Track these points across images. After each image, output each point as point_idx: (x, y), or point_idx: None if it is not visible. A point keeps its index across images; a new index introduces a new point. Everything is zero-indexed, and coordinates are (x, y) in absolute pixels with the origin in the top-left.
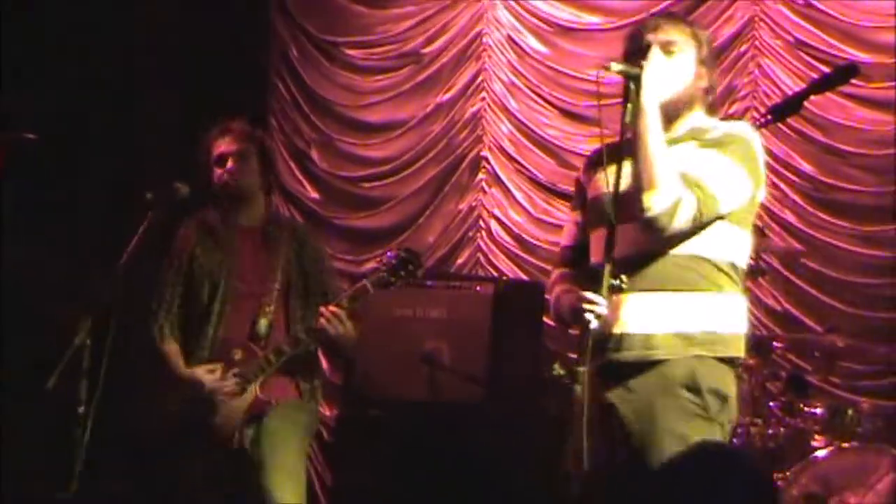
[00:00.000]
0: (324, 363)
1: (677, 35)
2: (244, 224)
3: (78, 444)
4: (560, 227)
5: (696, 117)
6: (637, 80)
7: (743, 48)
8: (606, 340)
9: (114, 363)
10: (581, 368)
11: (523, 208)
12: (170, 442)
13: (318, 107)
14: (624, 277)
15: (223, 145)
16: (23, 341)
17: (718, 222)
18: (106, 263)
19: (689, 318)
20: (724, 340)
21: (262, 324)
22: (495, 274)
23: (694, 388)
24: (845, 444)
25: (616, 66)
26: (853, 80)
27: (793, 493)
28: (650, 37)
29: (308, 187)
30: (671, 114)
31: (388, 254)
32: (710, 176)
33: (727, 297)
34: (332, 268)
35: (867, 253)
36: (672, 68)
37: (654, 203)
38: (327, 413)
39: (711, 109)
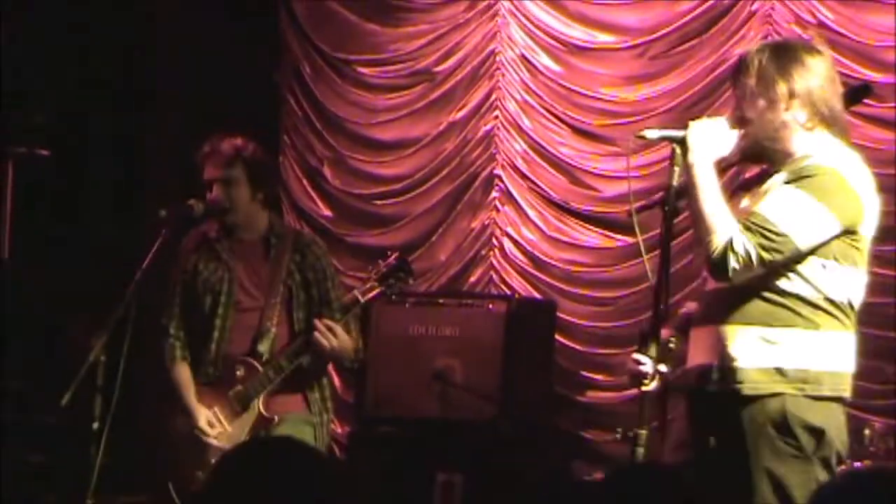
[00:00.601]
0: (336, 381)
1: (747, 77)
2: (245, 237)
3: (93, 460)
4: (573, 245)
5: (803, 144)
6: (681, 142)
7: None
8: (699, 370)
9: (128, 379)
10: (642, 431)
11: (536, 226)
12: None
13: (330, 124)
14: (674, 339)
15: (209, 170)
16: (32, 355)
17: (812, 258)
18: (116, 278)
19: (775, 354)
20: (817, 378)
21: (265, 338)
22: (508, 292)
23: (784, 427)
24: (857, 464)
25: (652, 134)
26: (866, 100)
27: None
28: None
29: (320, 205)
30: (763, 156)
31: (379, 263)
32: (779, 214)
33: (823, 334)
34: (336, 276)
35: (877, 272)
36: (717, 125)
37: (710, 251)
38: (339, 430)
39: (826, 123)
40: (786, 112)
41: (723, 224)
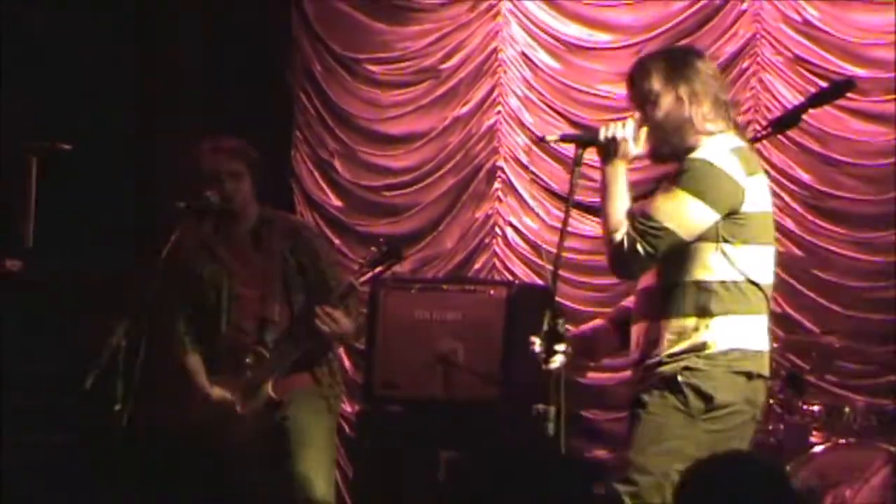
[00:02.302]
0: (346, 363)
1: (648, 82)
2: (238, 230)
3: (115, 440)
4: (573, 234)
5: (699, 141)
6: (584, 144)
7: (745, 64)
8: (634, 363)
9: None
10: (550, 408)
11: (537, 216)
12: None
13: (341, 120)
14: (561, 321)
15: (216, 163)
16: (56, 340)
17: (705, 245)
18: (136, 269)
19: (688, 339)
20: (716, 356)
21: (269, 325)
22: (511, 278)
23: (675, 384)
24: (841, 441)
25: (553, 137)
26: (849, 94)
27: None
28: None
29: (332, 196)
30: (669, 154)
31: (371, 249)
32: (660, 210)
33: (726, 318)
34: (332, 257)
35: (862, 258)
36: (626, 127)
37: (612, 248)
38: (349, 409)
39: (720, 120)
40: (687, 112)
41: (623, 224)
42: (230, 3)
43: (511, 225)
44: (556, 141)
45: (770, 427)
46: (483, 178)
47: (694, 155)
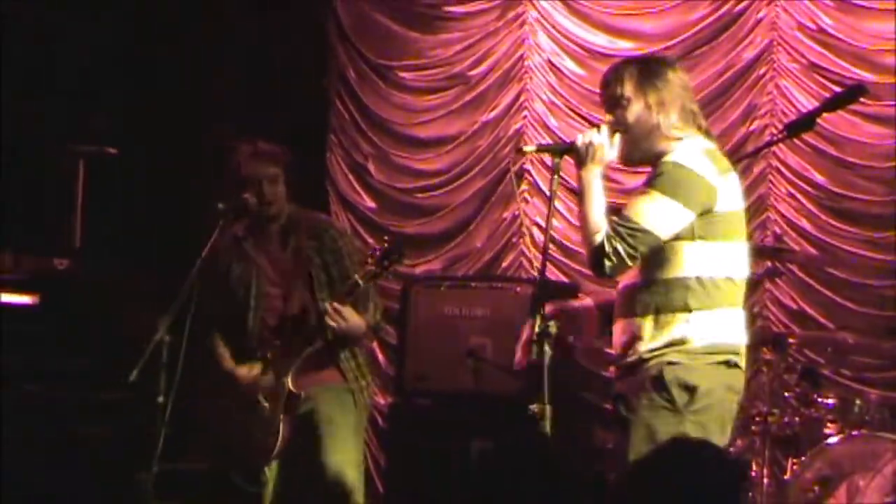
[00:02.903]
0: (380, 356)
1: (620, 88)
2: (268, 230)
3: (158, 431)
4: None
5: (670, 145)
6: (560, 153)
7: (762, 70)
8: (615, 359)
9: (190, 356)
10: (545, 407)
11: (563, 216)
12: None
13: (374, 124)
14: (552, 324)
15: (255, 168)
16: (103, 335)
17: (681, 243)
18: (178, 265)
19: (664, 335)
20: (695, 349)
21: (290, 323)
22: (537, 276)
23: (660, 383)
24: (855, 432)
25: (530, 148)
26: (862, 99)
27: (807, 476)
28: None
29: (365, 197)
30: (642, 158)
31: (376, 248)
32: (638, 212)
33: (701, 313)
34: (357, 256)
35: (875, 257)
36: (600, 133)
37: (590, 251)
38: (381, 401)
39: (690, 124)
40: (657, 117)
41: (600, 226)
42: (271, 13)
43: (537, 225)
44: (533, 152)
45: (786, 420)
46: (511, 180)
47: (667, 158)
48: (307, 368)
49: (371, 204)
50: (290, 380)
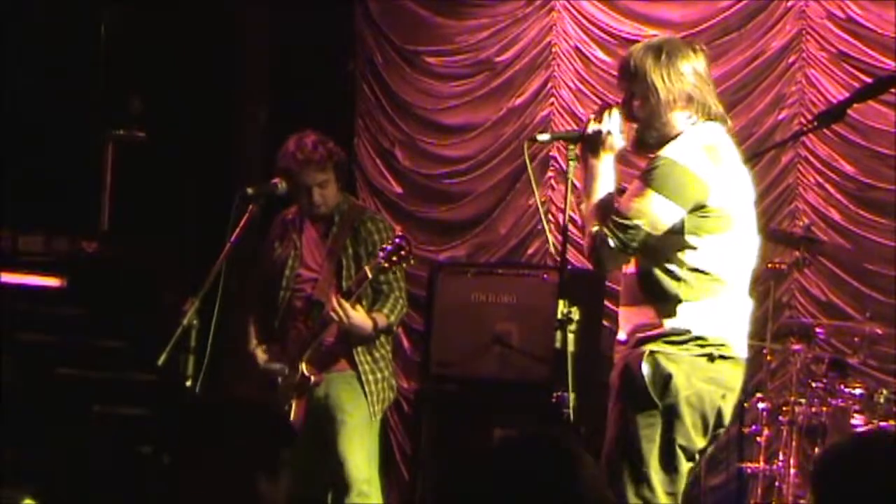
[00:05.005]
0: (405, 342)
1: (634, 76)
2: (317, 217)
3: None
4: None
5: (676, 138)
6: (574, 140)
7: (791, 59)
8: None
9: (217, 341)
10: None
11: None
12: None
13: (400, 110)
14: (574, 309)
15: (307, 176)
16: (132, 319)
17: (672, 237)
18: (207, 250)
19: (656, 324)
20: (681, 340)
21: (316, 306)
22: (559, 261)
23: (639, 376)
24: (882, 423)
25: (544, 137)
26: (893, 89)
27: None
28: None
29: (392, 182)
30: (652, 146)
31: (387, 244)
32: (630, 207)
33: (690, 304)
34: None
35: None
36: (614, 120)
37: (590, 240)
38: (406, 386)
39: (704, 113)
40: (666, 106)
41: (603, 216)
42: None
43: (563, 212)
44: (547, 141)
45: (814, 410)
46: (536, 166)
47: (662, 152)
48: (322, 354)
49: (398, 189)
50: (304, 363)
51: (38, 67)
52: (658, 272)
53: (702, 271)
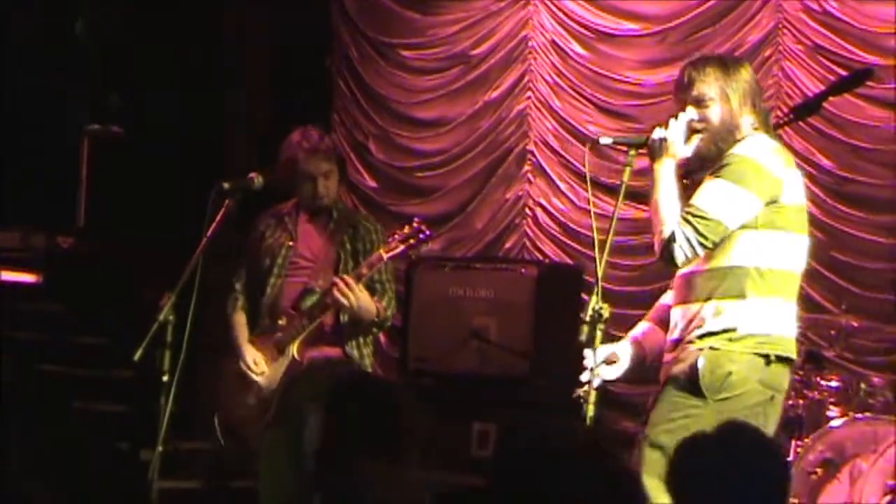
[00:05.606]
0: (382, 337)
1: (704, 88)
2: (315, 211)
3: (162, 410)
4: (602, 216)
5: (736, 145)
6: (636, 146)
7: (767, 52)
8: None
9: (193, 336)
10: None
11: (567, 197)
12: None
13: (375, 103)
14: (605, 306)
15: (312, 165)
16: (108, 315)
17: (744, 232)
18: (183, 245)
19: (717, 322)
20: (740, 337)
21: (310, 294)
22: (541, 257)
23: (693, 369)
24: (858, 415)
25: (606, 140)
26: (868, 83)
27: (810, 458)
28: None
29: (366, 176)
30: (715, 155)
31: (404, 226)
32: (709, 202)
33: (750, 301)
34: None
35: (880, 241)
36: (678, 129)
37: (661, 241)
38: None
39: (762, 123)
40: (740, 118)
41: (672, 217)
42: None
43: (541, 206)
44: (610, 144)
45: (790, 402)
46: (513, 160)
47: (733, 150)
48: (314, 341)
49: (372, 183)
50: (295, 347)
51: (16, 65)
52: (726, 268)
53: (771, 269)
